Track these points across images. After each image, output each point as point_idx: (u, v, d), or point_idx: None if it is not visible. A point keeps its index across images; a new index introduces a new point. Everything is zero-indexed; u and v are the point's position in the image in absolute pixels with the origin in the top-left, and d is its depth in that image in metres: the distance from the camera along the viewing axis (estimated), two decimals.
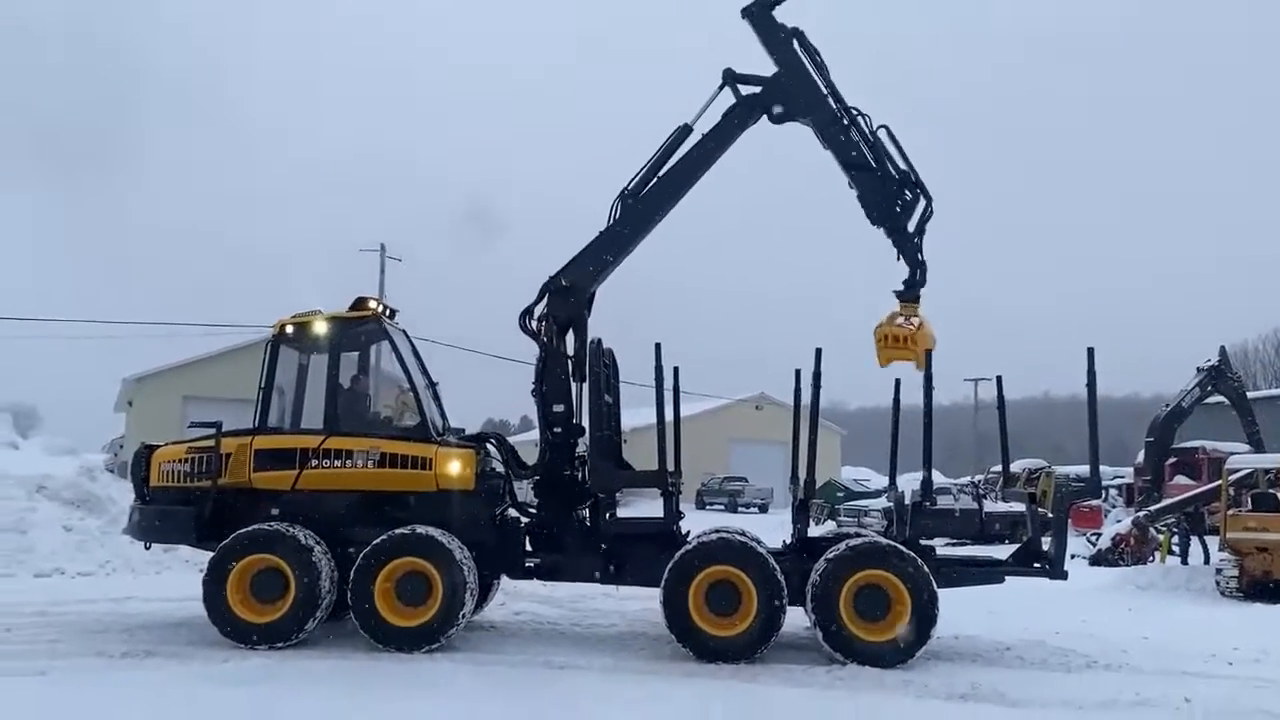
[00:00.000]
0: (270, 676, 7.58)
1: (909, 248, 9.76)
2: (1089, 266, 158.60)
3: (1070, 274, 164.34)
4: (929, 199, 9.81)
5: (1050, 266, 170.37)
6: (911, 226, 9.77)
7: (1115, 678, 8.20)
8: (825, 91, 9.82)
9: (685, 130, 9.89)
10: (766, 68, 9.96)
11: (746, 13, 9.91)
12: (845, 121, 9.78)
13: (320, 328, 9.67)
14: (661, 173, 9.88)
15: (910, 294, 9.80)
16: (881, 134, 9.80)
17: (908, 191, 9.75)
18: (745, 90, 9.91)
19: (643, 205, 9.88)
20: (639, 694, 7.24)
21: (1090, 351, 8.94)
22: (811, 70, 9.86)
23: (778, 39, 9.85)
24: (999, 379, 9.64)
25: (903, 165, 9.80)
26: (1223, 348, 28.04)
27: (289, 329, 9.72)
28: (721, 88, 9.92)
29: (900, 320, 9.71)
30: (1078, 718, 6.82)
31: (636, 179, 9.90)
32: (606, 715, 6.56)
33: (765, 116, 9.87)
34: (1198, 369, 27.47)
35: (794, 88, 9.81)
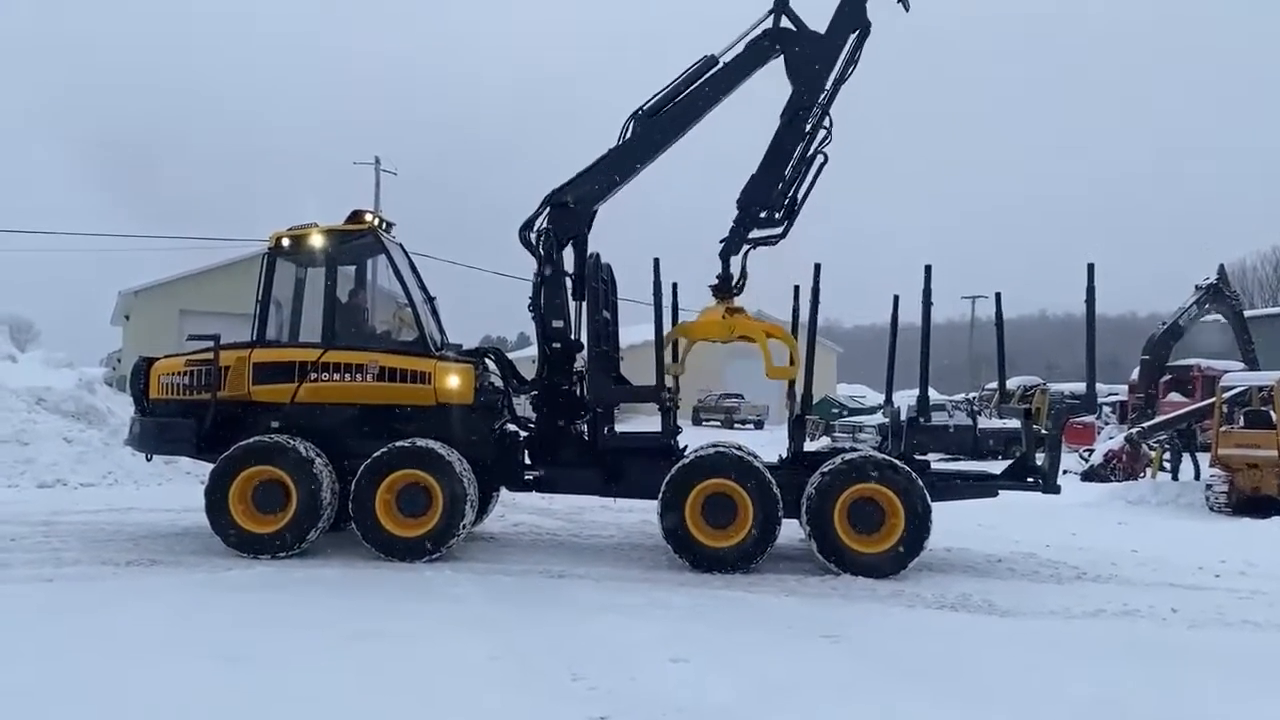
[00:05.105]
0: (274, 584, 7.70)
1: (733, 246, 9.67)
2: (1087, 184, 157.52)
3: (1068, 192, 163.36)
4: (782, 236, 9.71)
5: (1047, 185, 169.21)
6: (750, 234, 9.67)
7: (1104, 589, 8.36)
8: (828, 87, 9.62)
9: (711, 61, 9.68)
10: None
11: None
12: (811, 122, 9.59)
13: (316, 240, 9.57)
14: (679, 97, 9.70)
15: (722, 292, 9.78)
16: (819, 159, 9.66)
17: (778, 214, 9.64)
18: (784, 24, 9.66)
19: (658, 127, 9.69)
20: (638, 601, 7.37)
21: (1090, 267, 8.92)
22: (839, 61, 9.62)
23: (850, 10, 9.57)
24: (998, 295, 9.65)
25: (800, 195, 9.68)
26: (1221, 265, 27.83)
27: (285, 242, 9.62)
28: (769, 14, 9.65)
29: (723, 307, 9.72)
30: (1066, 627, 6.96)
31: (653, 101, 9.70)
32: (605, 621, 6.69)
33: (782, 58, 9.63)
34: (1196, 287, 27.32)
35: (816, 54, 9.56)
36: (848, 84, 9.71)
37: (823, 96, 9.63)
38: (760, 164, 9.64)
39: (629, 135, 9.74)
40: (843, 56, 9.65)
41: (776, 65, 9.66)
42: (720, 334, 9.64)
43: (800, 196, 9.71)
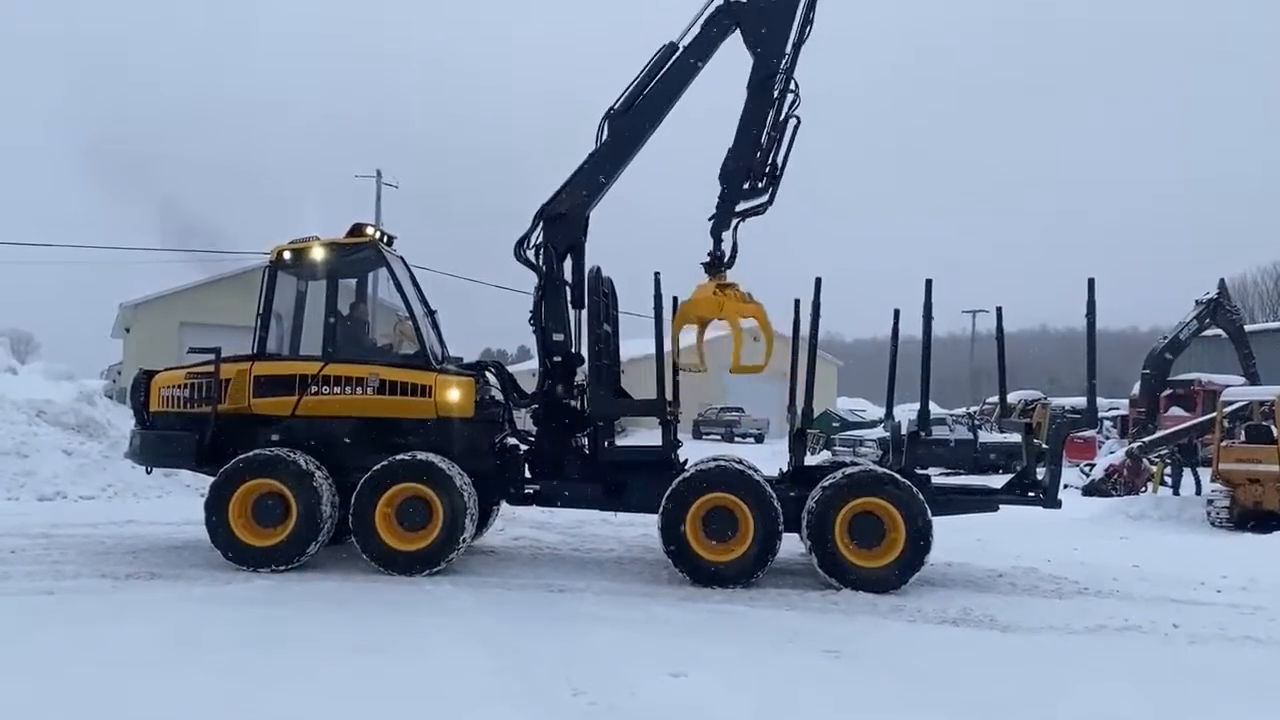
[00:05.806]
0: (274, 597, 7.69)
1: (723, 221, 9.72)
2: (1088, 198, 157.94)
3: (1069, 207, 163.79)
4: (769, 203, 9.80)
5: (1049, 200, 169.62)
6: (738, 207, 9.75)
7: (1105, 604, 8.33)
8: (788, 50, 9.69)
9: (671, 48, 9.77)
10: None
11: None
12: (778, 89, 9.67)
13: (318, 254, 9.59)
14: (647, 90, 9.78)
15: (713, 268, 9.80)
16: (791, 122, 9.75)
17: (761, 183, 9.72)
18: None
19: (631, 122, 9.76)
20: (638, 615, 7.36)
21: (1091, 282, 8.92)
22: (795, 25, 9.71)
23: None
24: (999, 310, 9.65)
25: (780, 160, 9.77)
26: (1222, 280, 27.90)
27: (286, 255, 9.63)
28: None
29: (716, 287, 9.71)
30: (1067, 642, 6.93)
31: (623, 98, 9.79)
32: (606, 635, 6.67)
33: (739, 30, 9.70)
34: (1196, 301, 27.37)
35: (770, 22, 9.64)
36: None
37: (784, 61, 9.71)
38: (735, 136, 9.71)
39: (606, 136, 9.81)
40: (798, 19, 9.74)
41: (736, 40, 9.72)
42: (712, 311, 9.66)
43: (780, 162, 9.80)
